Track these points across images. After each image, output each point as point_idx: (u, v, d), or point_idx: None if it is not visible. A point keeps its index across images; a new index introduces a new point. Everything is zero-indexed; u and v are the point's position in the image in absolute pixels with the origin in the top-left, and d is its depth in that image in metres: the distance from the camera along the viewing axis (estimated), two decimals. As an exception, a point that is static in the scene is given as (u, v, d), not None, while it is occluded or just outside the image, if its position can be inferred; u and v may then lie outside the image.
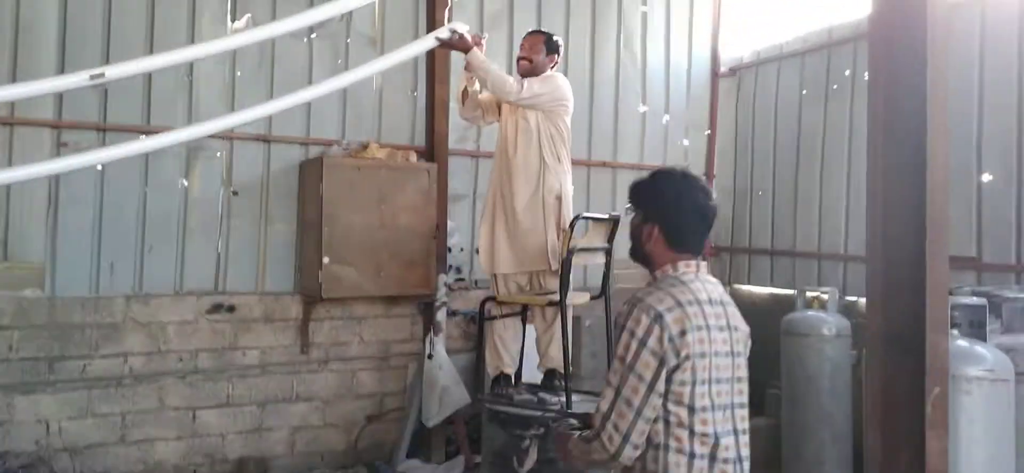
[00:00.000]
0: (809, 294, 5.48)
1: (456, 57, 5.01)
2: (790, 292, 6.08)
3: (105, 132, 4.95)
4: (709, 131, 7.24)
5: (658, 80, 6.96)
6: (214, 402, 5.20)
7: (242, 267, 5.34)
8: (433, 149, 5.71)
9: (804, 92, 6.55)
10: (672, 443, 2.10)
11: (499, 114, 4.43)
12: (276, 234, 5.44)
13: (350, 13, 5.60)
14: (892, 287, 2.11)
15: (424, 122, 5.82)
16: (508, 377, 4.31)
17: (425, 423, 5.42)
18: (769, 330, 5.94)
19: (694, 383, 2.09)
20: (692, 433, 2.09)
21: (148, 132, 4.99)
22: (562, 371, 4.16)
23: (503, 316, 4.27)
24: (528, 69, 4.29)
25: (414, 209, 5.41)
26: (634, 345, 2.10)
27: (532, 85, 4.17)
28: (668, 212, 2.26)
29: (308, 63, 5.52)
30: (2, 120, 4.66)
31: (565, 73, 6.33)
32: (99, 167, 4.92)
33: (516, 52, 4.60)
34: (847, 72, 6.15)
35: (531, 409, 3.99)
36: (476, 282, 5.97)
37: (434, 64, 5.66)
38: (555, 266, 4.13)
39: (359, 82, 5.55)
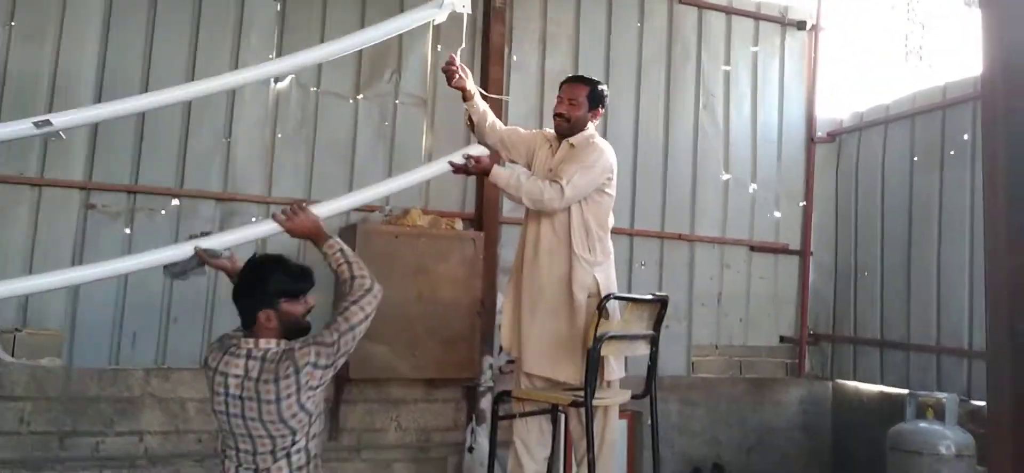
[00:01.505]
0: (923, 399, 4.56)
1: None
2: (905, 392, 5.16)
3: (136, 194, 4.73)
4: (804, 202, 6.43)
5: (743, 146, 6.26)
6: (234, 489, 4.76)
7: (274, 341, 4.95)
8: (482, 216, 5.22)
9: (915, 159, 5.69)
10: None
11: (528, 161, 3.80)
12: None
13: (398, 74, 5.27)
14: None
15: (475, 187, 5.36)
16: None
17: (464, 526, 4.80)
18: (880, 438, 5.05)
19: None
20: None
21: (180, 195, 4.81)
22: None
23: (525, 414, 3.59)
24: (566, 128, 3.65)
25: (457, 282, 4.90)
26: None
27: (574, 182, 3.46)
28: None
29: (353, 124, 5.19)
30: (31, 181, 4.51)
31: (636, 138, 5.84)
32: (127, 230, 4.71)
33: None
34: (966, 136, 5.28)
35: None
36: (530, 366, 5.36)
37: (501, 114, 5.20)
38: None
39: (407, 143, 5.25)
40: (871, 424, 5.69)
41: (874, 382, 5.90)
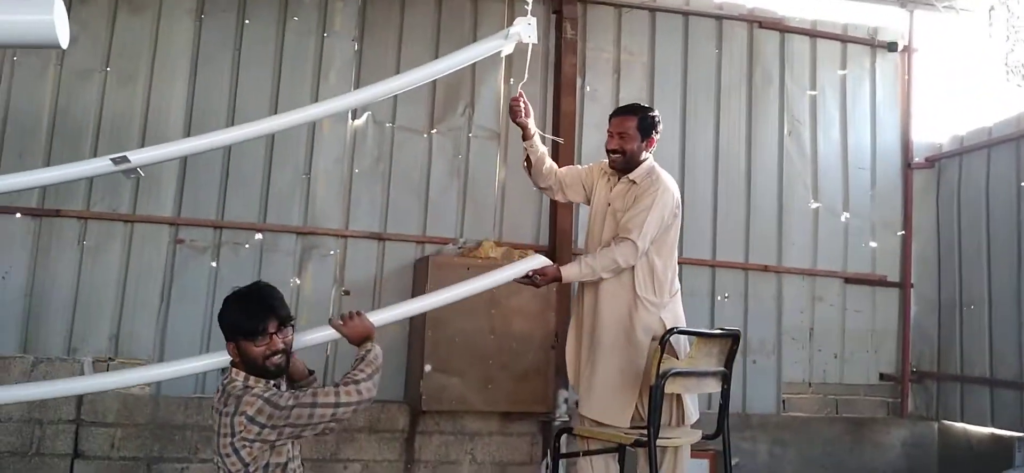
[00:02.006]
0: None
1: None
2: (1018, 436, 4.74)
3: (222, 229, 4.93)
4: (903, 231, 6.06)
5: (833, 173, 5.97)
6: (311, 519, 4.83)
7: (350, 372, 5.01)
8: (555, 248, 5.15)
9: (1023, 184, 5.28)
10: None
11: (586, 197, 3.70)
12: (386, 337, 5.05)
13: (471, 108, 5.32)
14: None
15: (548, 219, 5.31)
16: None
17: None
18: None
19: None
20: None
21: (263, 230, 4.98)
22: None
23: (589, 453, 3.42)
24: (622, 163, 3.48)
25: (530, 314, 4.84)
26: None
27: (645, 232, 3.31)
28: None
29: (427, 159, 5.26)
30: (124, 217, 4.77)
31: (716, 166, 5.67)
32: (213, 264, 4.89)
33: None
34: (1079, 155, 4.87)
35: None
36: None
37: (558, 156, 5.15)
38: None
39: (481, 176, 5.27)
40: (982, 469, 5.23)
41: (984, 424, 5.44)
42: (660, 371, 3.06)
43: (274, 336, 2.49)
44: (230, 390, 2.48)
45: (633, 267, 3.36)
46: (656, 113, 3.57)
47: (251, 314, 2.49)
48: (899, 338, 5.99)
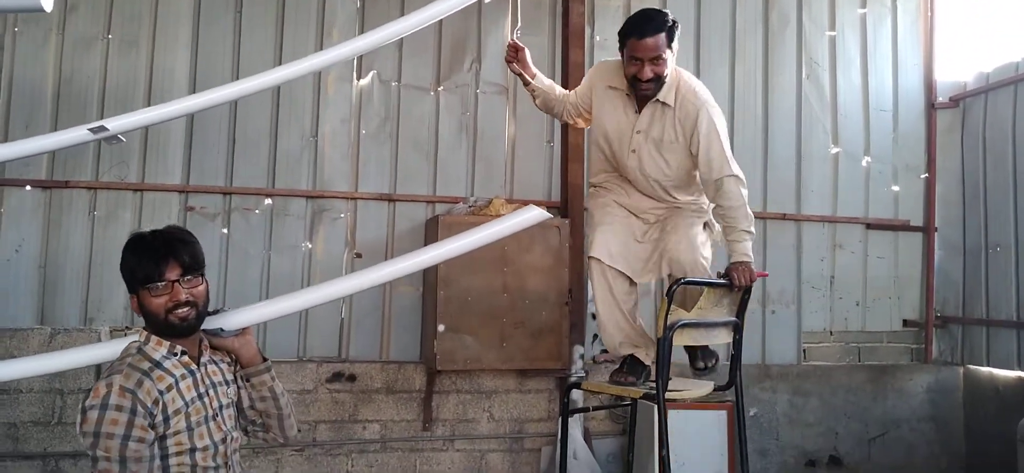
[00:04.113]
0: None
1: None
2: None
3: (231, 195, 4.90)
4: (926, 174, 5.90)
5: (853, 116, 5.80)
6: (332, 479, 4.86)
7: (365, 333, 5.01)
8: (567, 203, 5.07)
9: (1052, 119, 5.10)
10: None
11: (588, 118, 3.51)
12: (401, 299, 5.07)
13: (478, 63, 5.20)
14: None
15: (560, 174, 5.22)
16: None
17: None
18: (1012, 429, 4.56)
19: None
20: None
21: (272, 195, 4.94)
22: None
23: (598, 408, 3.36)
24: (656, 90, 3.14)
25: (543, 271, 4.78)
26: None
27: (728, 156, 3.16)
28: None
29: (434, 117, 5.17)
30: (133, 186, 4.75)
31: (731, 112, 5.53)
32: (224, 230, 4.88)
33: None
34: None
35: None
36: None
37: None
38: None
39: (490, 132, 5.18)
40: (1008, 413, 5.14)
41: (1010, 367, 5.34)
42: (668, 323, 2.97)
43: (176, 284, 2.13)
44: (119, 353, 2.21)
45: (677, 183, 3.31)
46: (671, 16, 3.19)
47: (148, 256, 2.14)
48: (923, 283, 5.87)
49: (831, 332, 5.75)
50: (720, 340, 3.30)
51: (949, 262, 5.87)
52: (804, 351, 5.70)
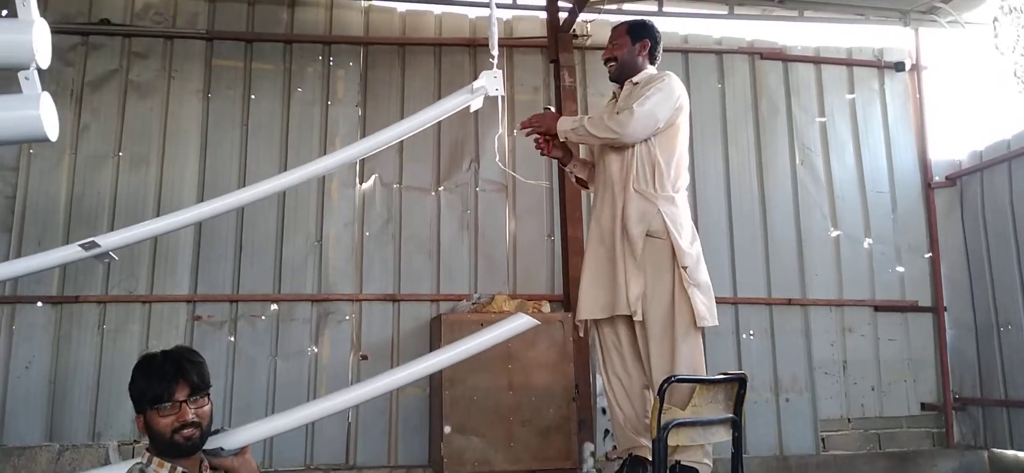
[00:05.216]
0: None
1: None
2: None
3: (238, 303, 4.96)
4: (929, 253, 5.89)
5: (851, 198, 5.85)
6: None
7: (373, 438, 4.98)
8: (569, 296, 5.09)
9: (1047, 193, 5.13)
10: None
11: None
12: (408, 400, 5.05)
13: (477, 162, 5.34)
14: None
15: (561, 268, 5.26)
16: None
17: None
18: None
19: None
20: None
21: (278, 300, 5.00)
22: None
23: None
24: (618, 71, 3.40)
25: (548, 367, 4.75)
26: None
27: (646, 106, 3.12)
28: None
29: (436, 216, 5.27)
30: (141, 298, 4.83)
31: (728, 200, 5.60)
32: (231, 338, 4.92)
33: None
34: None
35: None
36: (636, 450, 5.08)
37: (566, 203, 5.12)
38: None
39: (491, 229, 5.26)
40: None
41: (1035, 450, 5.20)
42: (661, 423, 2.81)
43: (184, 405, 2.13)
44: None
45: (633, 163, 3.19)
46: (649, 20, 3.48)
47: (158, 377, 2.15)
48: (937, 364, 5.78)
49: (849, 419, 5.64)
50: (718, 439, 3.09)
51: (962, 341, 5.79)
52: (822, 440, 5.57)
